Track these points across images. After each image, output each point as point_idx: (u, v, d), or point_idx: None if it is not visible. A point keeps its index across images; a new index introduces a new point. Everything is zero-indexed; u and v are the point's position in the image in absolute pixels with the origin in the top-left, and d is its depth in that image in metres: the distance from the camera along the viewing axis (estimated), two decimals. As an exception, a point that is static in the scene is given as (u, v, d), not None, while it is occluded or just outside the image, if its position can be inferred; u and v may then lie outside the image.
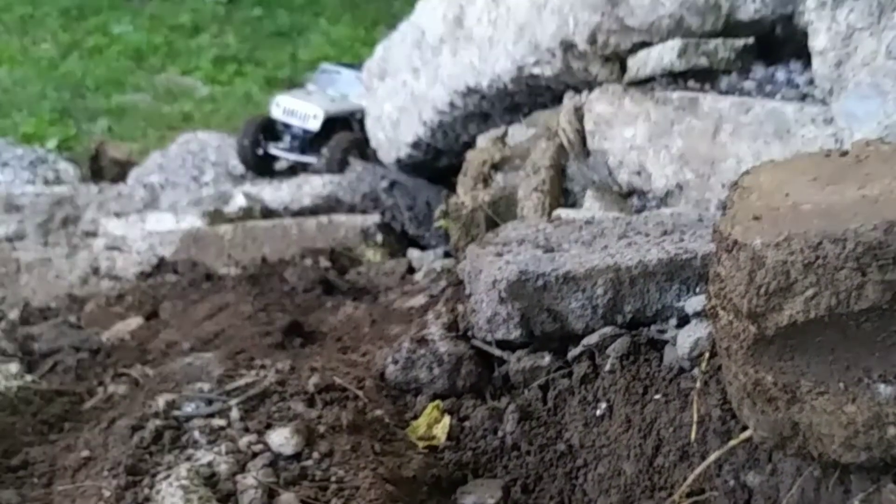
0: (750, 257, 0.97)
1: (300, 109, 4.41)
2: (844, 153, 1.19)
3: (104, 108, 5.67)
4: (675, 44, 1.99)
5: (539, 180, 2.18)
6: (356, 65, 4.60)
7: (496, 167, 2.39)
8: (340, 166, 4.00)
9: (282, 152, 4.44)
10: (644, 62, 2.05)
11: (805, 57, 1.82)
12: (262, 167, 4.42)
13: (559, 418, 1.33)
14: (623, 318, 1.34)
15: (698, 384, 1.21)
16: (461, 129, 2.97)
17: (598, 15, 2.09)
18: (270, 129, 4.46)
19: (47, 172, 4.28)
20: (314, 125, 4.34)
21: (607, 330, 1.33)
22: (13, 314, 2.22)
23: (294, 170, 4.45)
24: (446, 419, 1.37)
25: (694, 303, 1.29)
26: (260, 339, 1.66)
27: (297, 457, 1.19)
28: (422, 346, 1.44)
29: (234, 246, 2.55)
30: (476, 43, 2.64)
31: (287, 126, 4.44)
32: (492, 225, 2.14)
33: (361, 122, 4.39)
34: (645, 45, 2.08)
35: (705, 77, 2.02)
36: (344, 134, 4.30)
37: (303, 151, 4.41)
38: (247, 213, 3.04)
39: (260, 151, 4.40)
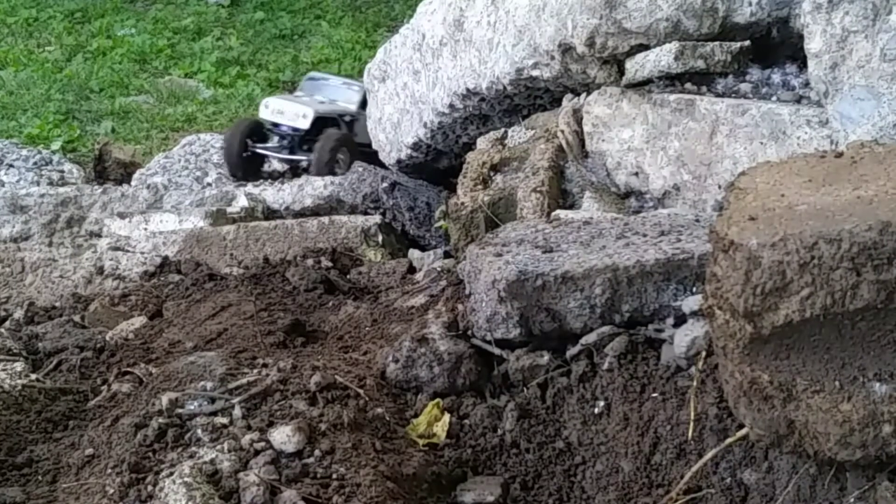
0: (746, 257, 0.98)
1: (289, 110, 4.44)
2: (839, 154, 1.20)
3: (108, 109, 5.70)
4: (672, 47, 2.01)
5: (538, 181, 2.19)
6: (344, 77, 4.72)
7: (496, 168, 2.40)
8: (329, 164, 4.03)
9: (271, 152, 4.47)
10: (641, 65, 2.07)
11: (801, 59, 1.84)
12: (248, 170, 4.40)
13: (558, 416, 1.34)
14: (621, 317, 1.35)
15: (695, 383, 1.22)
16: (461, 131, 2.98)
17: (596, 18, 2.11)
18: (258, 133, 4.49)
19: (52, 173, 4.30)
20: (304, 124, 4.38)
21: (605, 329, 1.34)
22: (18, 313, 2.23)
23: (296, 172, 4.47)
24: (446, 417, 1.38)
25: (691, 302, 1.30)
26: (262, 339, 1.67)
27: (298, 454, 1.20)
28: (422, 345, 1.45)
29: (236, 246, 2.56)
30: (476, 46, 2.65)
31: (276, 125, 4.46)
32: (491, 225, 2.15)
33: (349, 124, 4.43)
34: (642, 47, 2.09)
35: (702, 79, 2.03)
36: (332, 131, 4.34)
37: (292, 151, 4.44)
38: (249, 214, 3.05)
39: (248, 153, 4.40)
